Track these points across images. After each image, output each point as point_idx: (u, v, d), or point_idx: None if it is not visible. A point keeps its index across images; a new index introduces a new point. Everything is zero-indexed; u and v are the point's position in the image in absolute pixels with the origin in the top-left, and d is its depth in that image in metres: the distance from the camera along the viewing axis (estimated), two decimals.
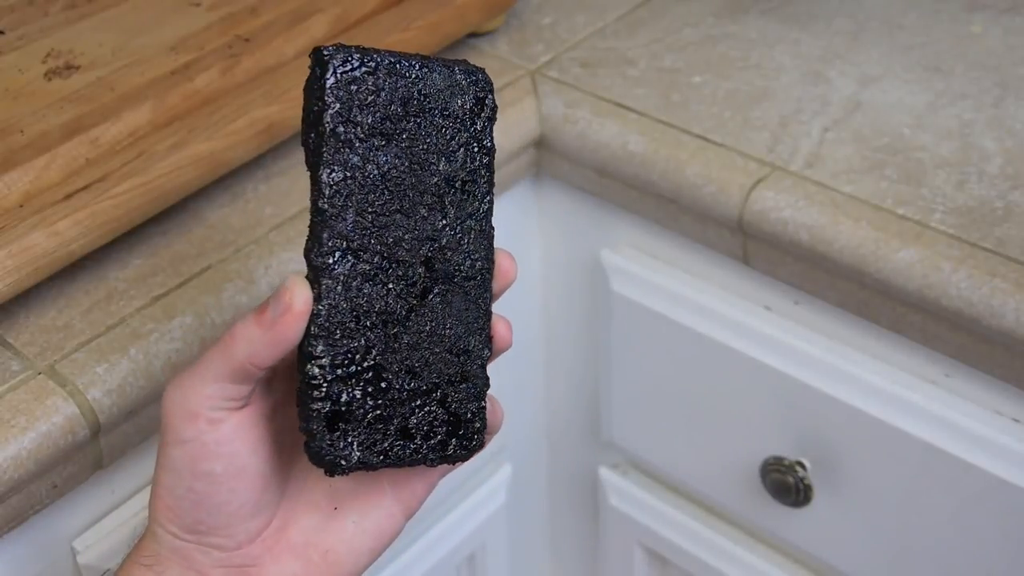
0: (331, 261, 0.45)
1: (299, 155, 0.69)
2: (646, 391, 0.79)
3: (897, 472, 0.67)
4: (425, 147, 0.47)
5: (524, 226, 0.80)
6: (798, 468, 0.71)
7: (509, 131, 0.72)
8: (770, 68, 0.75)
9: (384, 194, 0.46)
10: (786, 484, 0.71)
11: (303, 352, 0.45)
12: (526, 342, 0.84)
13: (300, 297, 0.44)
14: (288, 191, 0.67)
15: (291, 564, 0.48)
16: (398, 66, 0.46)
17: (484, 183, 0.49)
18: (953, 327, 0.62)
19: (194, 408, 0.45)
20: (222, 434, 0.45)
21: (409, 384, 0.47)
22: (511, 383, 0.84)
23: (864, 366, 0.67)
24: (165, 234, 0.64)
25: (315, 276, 0.45)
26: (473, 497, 0.84)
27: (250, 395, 0.46)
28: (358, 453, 0.46)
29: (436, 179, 0.47)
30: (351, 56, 0.45)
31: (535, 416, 0.88)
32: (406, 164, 0.47)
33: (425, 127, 0.47)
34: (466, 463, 0.51)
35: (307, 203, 0.65)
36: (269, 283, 0.62)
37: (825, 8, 0.80)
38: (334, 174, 0.45)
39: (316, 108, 0.45)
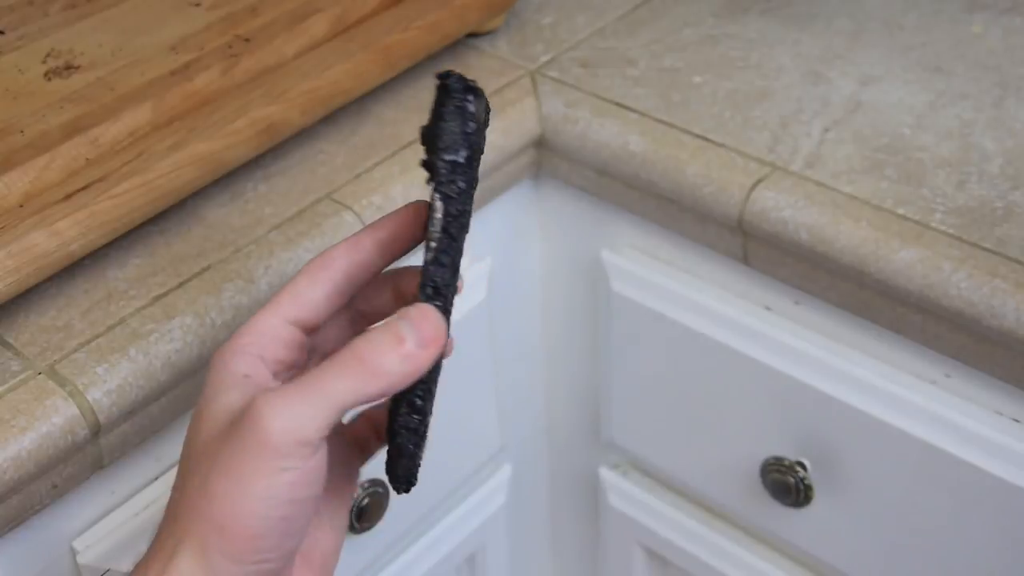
0: (450, 294, 0.47)
1: (299, 155, 0.69)
2: (646, 391, 0.79)
3: (897, 472, 0.67)
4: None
5: (524, 226, 0.80)
6: (798, 468, 0.71)
7: (509, 131, 0.72)
8: (770, 68, 0.75)
9: (462, 221, 0.48)
10: (786, 484, 0.71)
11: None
12: (526, 342, 0.84)
13: (443, 327, 0.46)
14: (288, 191, 0.67)
15: None
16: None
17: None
18: (953, 327, 0.62)
19: (309, 436, 0.44)
20: (317, 460, 0.44)
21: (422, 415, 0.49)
22: (511, 383, 0.84)
23: (864, 366, 0.67)
24: (165, 234, 0.64)
25: (443, 308, 0.47)
26: (473, 497, 0.84)
27: None
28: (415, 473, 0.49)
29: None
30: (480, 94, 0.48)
31: (535, 416, 0.88)
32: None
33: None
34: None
35: (306, 203, 0.66)
36: (269, 283, 0.62)
37: (825, 8, 0.80)
38: (456, 204, 0.47)
39: (467, 131, 0.47)
